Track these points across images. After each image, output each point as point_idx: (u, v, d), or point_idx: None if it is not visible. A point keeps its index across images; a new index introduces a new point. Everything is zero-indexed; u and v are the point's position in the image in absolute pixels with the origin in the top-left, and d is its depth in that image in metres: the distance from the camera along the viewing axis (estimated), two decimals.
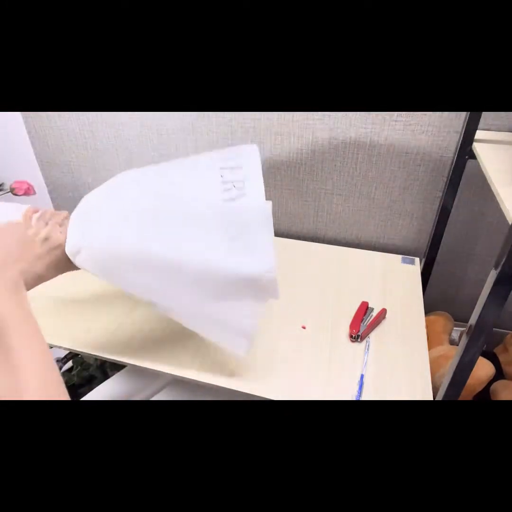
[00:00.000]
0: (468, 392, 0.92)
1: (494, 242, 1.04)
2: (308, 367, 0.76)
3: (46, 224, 0.64)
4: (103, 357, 0.78)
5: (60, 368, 1.21)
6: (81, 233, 0.63)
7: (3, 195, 1.31)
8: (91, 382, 1.19)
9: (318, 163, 1.03)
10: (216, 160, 0.65)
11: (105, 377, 1.18)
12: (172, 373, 0.75)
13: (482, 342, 0.55)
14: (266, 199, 0.61)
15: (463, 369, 0.58)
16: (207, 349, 0.79)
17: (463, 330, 0.96)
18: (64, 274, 0.67)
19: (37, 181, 1.29)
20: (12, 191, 1.25)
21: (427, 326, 0.85)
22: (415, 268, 1.02)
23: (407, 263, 1.04)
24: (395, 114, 0.93)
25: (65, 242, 0.63)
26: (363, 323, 0.83)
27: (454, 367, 0.58)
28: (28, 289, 0.57)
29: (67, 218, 0.67)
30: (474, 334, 0.54)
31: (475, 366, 0.57)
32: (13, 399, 0.43)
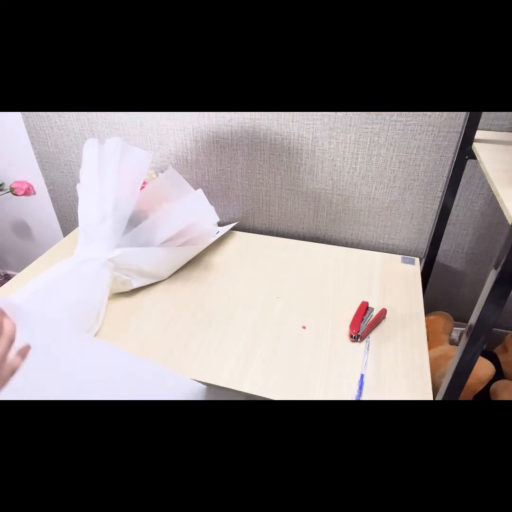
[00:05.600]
0: (468, 392, 0.92)
1: (494, 242, 1.04)
2: (308, 367, 0.76)
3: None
4: None
5: None
6: None
7: (3, 195, 1.31)
8: None
9: (318, 163, 1.03)
10: None
11: None
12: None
13: (482, 342, 0.55)
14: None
15: (463, 369, 0.58)
16: (207, 349, 0.79)
17: (463, 330, 0.96)
18: None
19: (37, 181, 1.29)
20: (12, 191, 1.25)
21: (427, 326, 0.85)
22: (415, 268, 1.02)
23: (407, 263, 1.04)
24: (395, 114, 0.93)
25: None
26: (363, 323, 0.83)
27: (454, 367, 0.58)
28: None
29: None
30: (474, 334, 0.54)
31: (475, 366, 0.57)
32: None
